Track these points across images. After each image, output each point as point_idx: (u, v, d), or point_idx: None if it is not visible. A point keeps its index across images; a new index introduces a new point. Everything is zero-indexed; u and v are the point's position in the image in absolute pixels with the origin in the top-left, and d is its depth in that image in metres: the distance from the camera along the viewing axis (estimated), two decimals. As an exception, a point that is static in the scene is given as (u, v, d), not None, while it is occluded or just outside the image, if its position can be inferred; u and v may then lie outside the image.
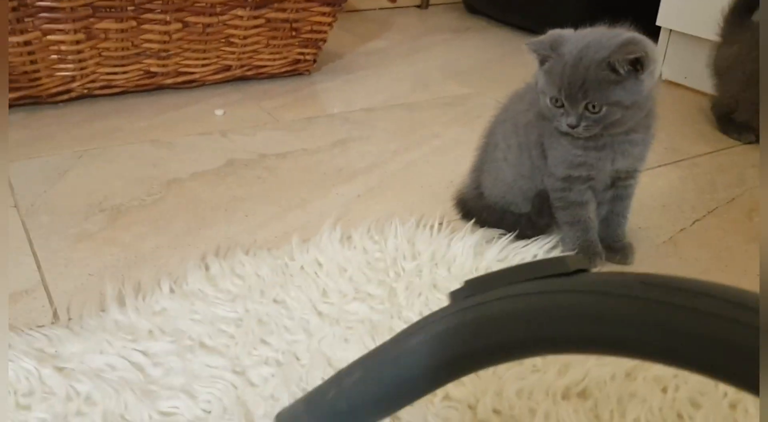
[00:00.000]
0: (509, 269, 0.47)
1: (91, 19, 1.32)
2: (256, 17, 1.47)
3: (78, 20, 1.30)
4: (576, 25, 0.89)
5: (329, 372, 0.70)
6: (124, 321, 0.77)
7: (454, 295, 0.49)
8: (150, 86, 1.48)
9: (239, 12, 1.45)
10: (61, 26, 1.30)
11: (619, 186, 0.94)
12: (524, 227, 0.97)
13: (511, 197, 0.99)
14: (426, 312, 0.82)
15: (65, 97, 1.39)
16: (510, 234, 0.97)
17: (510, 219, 0.99)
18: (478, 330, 0.45)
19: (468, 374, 0.49)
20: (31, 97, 1.36)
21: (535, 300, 0.43)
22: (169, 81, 1.48)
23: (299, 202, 1.09)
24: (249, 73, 1.57)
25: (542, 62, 0.87)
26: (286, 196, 1.11)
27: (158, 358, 0.72)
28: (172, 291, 0.83)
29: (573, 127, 0.85)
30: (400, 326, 0.79)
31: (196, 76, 1.51)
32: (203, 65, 1.50)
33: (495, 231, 0.99)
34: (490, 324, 0.45)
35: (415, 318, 0.81)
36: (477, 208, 1.03)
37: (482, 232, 0.98)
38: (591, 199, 0.94)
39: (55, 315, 0.80)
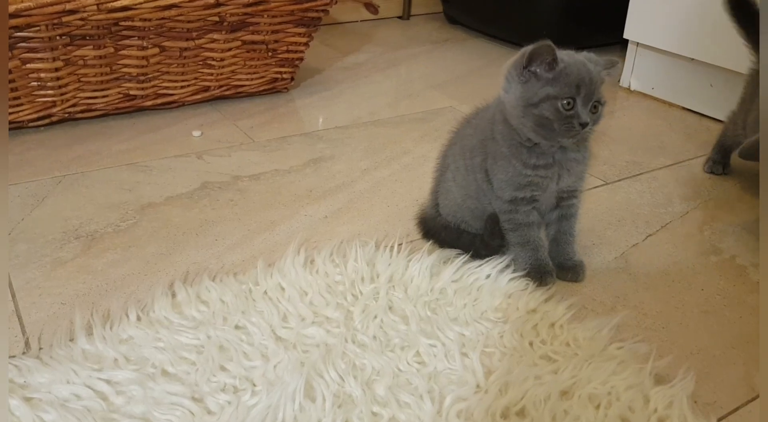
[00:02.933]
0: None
1: (69, 47, 1.36)
2: (232, 40, 1.52)
3: (56, 49, 1.35)
4: (550, 36, 0.90)
5: (282, 398, 0.74)
6: (91, 350, 0.82)
7: None
8: (130, 108, 1.52)
9: (215, 36, 1.49)
10: (39, 55, 1.34)
11: (564, 205, 0.98)
12: (479, 247, 1.01)
13: (461, 215, 1.03)
14: (380, 335, 0.87)
15: (46, 121, 1.44)
16: (465, 254, 1.01)
17: (466, 240, 1.03)
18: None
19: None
20: (14, 122, 1.41)
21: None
22: (149, 103, 1.53)
23: (268, 225, 1.13)
24: (227, 92, 1.62)
25: (531, 72, 0.88)
26: (256, 218, 1.15)
27: (121, 387, 0.77)
28: (138, 319, 0.88)
29: (586, 126, 0.87)
30: (353, 350, 0.83)
31: (175, 97, 1.55)
32: (182, 87, 1.55)
33: (452, 252, 1.03)
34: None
35: (368, 341, 0.85)
36: (436, 228, 1.07)
37: (439, 253, 1.03)
38: (537, 219, 0.98)
39: (27, 344, 0.85)
